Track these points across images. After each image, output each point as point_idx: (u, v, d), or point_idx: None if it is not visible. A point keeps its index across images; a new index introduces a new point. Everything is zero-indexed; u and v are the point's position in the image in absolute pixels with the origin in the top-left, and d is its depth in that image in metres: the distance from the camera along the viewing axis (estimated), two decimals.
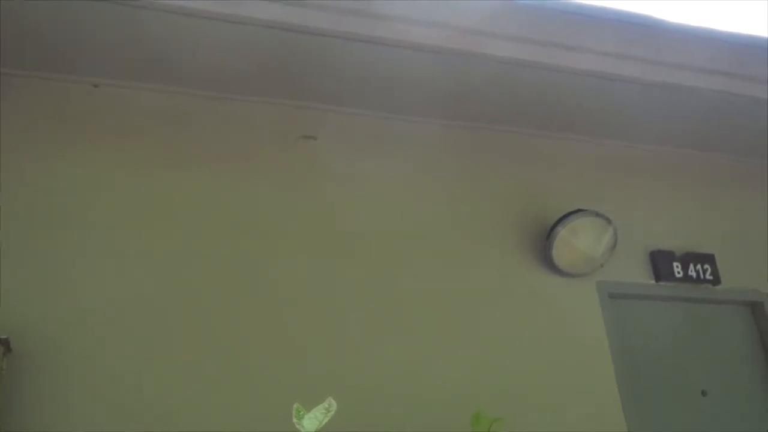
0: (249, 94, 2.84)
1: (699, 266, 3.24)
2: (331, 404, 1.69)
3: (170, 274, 2.49)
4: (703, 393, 3.07)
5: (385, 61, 2.70)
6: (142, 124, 2.70)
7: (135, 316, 2.40)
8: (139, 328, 2.38)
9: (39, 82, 2.60)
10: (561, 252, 2.97)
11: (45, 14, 2.35)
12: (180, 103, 2.78)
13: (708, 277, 3.25)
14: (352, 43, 2.58)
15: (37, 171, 2.49)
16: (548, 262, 2.99)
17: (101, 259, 2.45)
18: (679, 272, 3.21)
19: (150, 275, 2.47)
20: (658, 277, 3.20)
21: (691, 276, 3.22)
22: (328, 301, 2.64)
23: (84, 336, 2.31)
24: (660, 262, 3.20)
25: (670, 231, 3.30)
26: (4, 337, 2.10)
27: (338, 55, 2.65)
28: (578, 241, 2.97)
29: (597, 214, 2.98)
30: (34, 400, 2.19)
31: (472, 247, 2.96)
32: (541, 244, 3.03)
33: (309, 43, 2.57)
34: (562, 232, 2.95)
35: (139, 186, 2.60)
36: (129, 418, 2.23)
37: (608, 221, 2.99)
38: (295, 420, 1.64)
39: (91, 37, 2.49)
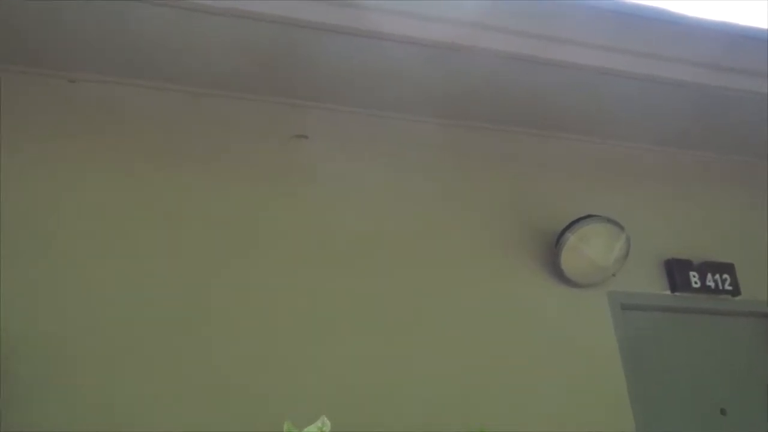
0: (237, 90, 2.68)
1: (717, 276, 3.06)
2: (324, 423, 1.61)
3: (151, 283, 2.33)
4: (723, 411, 2.88)
5: (379, 56, 2.54)
6: (122, 122, 2.54)
7: (116, 328, 2.23)
8: (120, 340, 2.22)
9: (12, 76, 2.44)
10: (570, 261, 2.79)
11: (17, 5, 2.20)
12: (164, 100, 2.62)
13: (727, 287, 3.06)
14: (345, 37, 2.43)
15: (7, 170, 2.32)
16: (556, 272, 2.82)
17: (79, 267, 2.28)
18: (696, 282, 3.02)
19: (130, 285, 2.30)
20: (673, 288, 3.02)
21: (709, 286, 3.04)
22: (321, 313, 2.47)
23: (59, 344, 2.16)
24: (676, 272, 3.02)
25: (687, 238, 3.12)
26: None
27: (331, 49, 2.50)
28: (588, 249, 2.80)
29: (608, 220, 2.80)
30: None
31: (474, 255, 2.79)
32: (549, 252, 2.86)
33: (300, 36, 2.42)
34: (571, 240, 2.77)
35: (117, 188, 2.43)
36: None
37: (620, 228, 2.81)
38: None
39: (68, 30, 2.34)
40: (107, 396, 2.14)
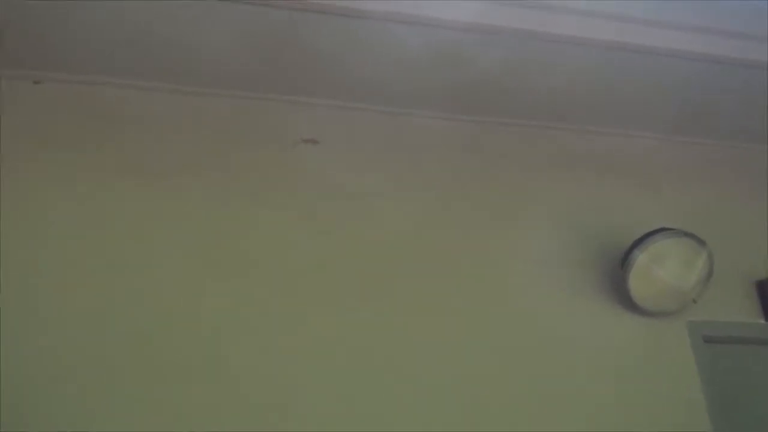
0: (234, 88, 2.31)
1: None
2: None
3: (132, 309, 1.99)
4: None
5: (395, 44, 2.13)
6: (98, 126, 2.20)
7: (90, 351, 1.91)
8: (95, 366, 1.90)
9: None
10: (640, 284, 2.32)
11: None
12: (151, 100, 2.28)
13: None
14: (357, 21, 2.03)
15: None
16: (624, 298, 2.34)
17: (50, 287, 1.96)
18: None
19: (115, 300, 1.98)
20: (767, 315, 2.51)
21: None
22: (342, 354, 2.06)
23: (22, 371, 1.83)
24: None
25: None
26: None
27: (339, 37, 2.09)
28: (662, 270, 2.32)
29: (686, 234, 2.32)
30: None
31: (520, 279, 2.35)
32: (614, 274, 2.38)
33: (305, 23, 2.03)
34: (641, 259, 2.30)
35: (102, 198, 2.10)
36: None
37: (701, 243, 2.33)
38: None
39: (33, 28, 2.01)
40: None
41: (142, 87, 2.26)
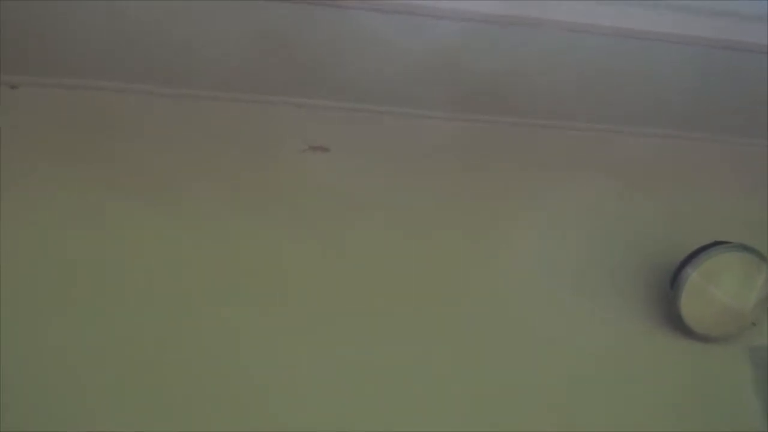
0: (232, 90, 2.08)
1: None
2: None
3: (134, 315, 1.83)
4: None
5: (416, 36, 1.87)
6: (85, 134, 2.00)
7: (89, 355, 1.77)
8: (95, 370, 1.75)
9: None
10: (693, 305, 2.07)
11: None
12: (142, 105, 2.06)
13: None
14: (369, 14, 1.79)
15: None
16: (675, 320, 2.09)
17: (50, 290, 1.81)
18: None
19: (106, 325, 1.81)
20: None
21: None
22: (348, 378, 1.87)
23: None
24: None
25: None
26: None
27: (350, 28, 1.85)
28: (718, 289, 2.07)
29: (745, 248, 2.07)
30: None
31: (557, 301, 2.10)
32: (663, 294, 2.13)
33: (315, 18, 1.80)
34: (694, 277, 2.05)
35: (76, 216, 1.90)
36: None
37: (762, 258, 2.08)
38: None
39: (10, 28, 1.80)
40: None
41: (132, 90, 2.04)
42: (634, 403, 2.00)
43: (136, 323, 1.81)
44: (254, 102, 2.09)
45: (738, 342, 2.13)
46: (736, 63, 2.03)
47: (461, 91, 2.14)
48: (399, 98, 2.16)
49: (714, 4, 1.90)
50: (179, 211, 1.96)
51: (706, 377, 2.09)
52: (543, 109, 2.27)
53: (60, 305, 1.80)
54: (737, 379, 2.10)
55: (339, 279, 1.96)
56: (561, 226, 2.20)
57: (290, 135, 2.10)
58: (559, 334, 2.05)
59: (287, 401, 1.81)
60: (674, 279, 2.08)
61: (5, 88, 1.95)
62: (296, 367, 1.85)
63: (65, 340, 1.76)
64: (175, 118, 2.07)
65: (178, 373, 1.79)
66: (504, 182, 2.23)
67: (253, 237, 1.96)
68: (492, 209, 2.18)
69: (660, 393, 2.04)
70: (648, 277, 2.17)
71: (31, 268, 1.81)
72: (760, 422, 2.06)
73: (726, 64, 2.03)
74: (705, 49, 1.96)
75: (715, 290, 2.06)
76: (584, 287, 2.13)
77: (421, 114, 2.22)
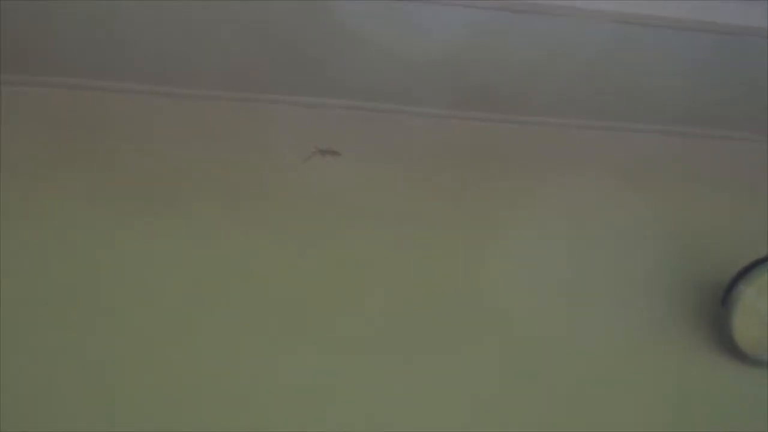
0: (231, 88, 1.91)
1: None
2: None
3: (131, 319, 1.71)
4: None
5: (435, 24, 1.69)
6: (72, 135, 1.85)
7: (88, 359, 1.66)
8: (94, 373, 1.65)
9: None
10: (747, 325, 1.87)
11: None
12: (135, 104, 1.90)
13: None
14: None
15: None
16: (726, 343, 1.89)
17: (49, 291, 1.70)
18: None
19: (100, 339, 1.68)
20: None
21: None
22: (364, 395, 1.73)
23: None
24: None
25: None
26: None
27: (374, 22, 1.66)
28: None
29: None
30: None
31: (594, 318, 1.91)
32: (714, 313, 1.93)
33: (320, 8, 1.62)
34: (748, 294, 1.85)
35: (60, 229, 1.75)
36: None
37: None
38: None
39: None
40: None
41: (123, 90, 1.88)
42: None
43: (130, 329, 1.71)
44: (249, 101, 1.94)
45: None
46: None
47: (469, 88, 1.97)
48: (409, 97, 1.99)
49: None
50: (175, 220, 1.81)
51: (763, 404, 1.89)
52: (559, 108, 2.09)
53: (59, 305, 1.70)
54: None
55: (345, 289, 1.82)
56: (589, 233, 2.02)
57: (296, 137, 1.93)
58: (597, 355, 1.87)
59: (287, 411, 1.71)
60: (726, 296, 1.88)
61: None
62: (296, 379, 1.74)
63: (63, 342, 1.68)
64: (170, 119, 1.91)
65: (171, 377, 1.69)
66: (525, 184, 2.05)
67: (255, 246, 1.82)
68: (520, 218, 1.99)
69: (710, 423, 1.85)
70: (696, 294, 1.97)
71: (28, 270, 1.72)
72: None
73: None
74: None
75: None
76: (621, 302, 1.94)
77: (439, 114, 2.04)
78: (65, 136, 1.86)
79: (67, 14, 1.63)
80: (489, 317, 1.86)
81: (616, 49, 1.80)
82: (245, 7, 1.61)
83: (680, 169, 2.15)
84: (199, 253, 1.80)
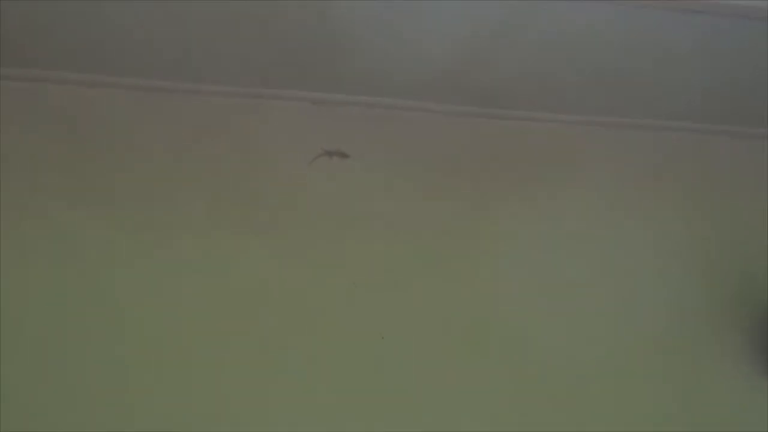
0: (229, 82, 1.76)
1: None
2: None
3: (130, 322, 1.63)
4: None
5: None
6: (57, 133, 1.73)
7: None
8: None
9: None
10: None
11: None
12: (120, 100, 1.77)
13: None
14: None
15: None
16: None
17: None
18: None
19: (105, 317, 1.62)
20: None
21: None
22: (369, 405, 1.64)
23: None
24: None
25: None
26: None
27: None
28: None
29: None
30: None
31: (627, 336, 1.78)
32: (758, 333, 1.80)
33: None
34: None
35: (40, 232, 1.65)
36: None
37: None
38: None
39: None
40: None
41: (106, 84, 1.76)
42: None
43: (130, 330, 1.64)
44: (247, 96, 1.80)
45: None
46: None
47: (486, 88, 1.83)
48: (426, 93, 1.85)
49: None
50: (172, 219, 1.71)
51: None
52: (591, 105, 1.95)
53: (58, 304, 1.64)
54: None
55: (352, 303, 1.70)
56: (625, 244, 1.88)
57: (297, 136, 1.80)
58: (636, 379, 1.74)
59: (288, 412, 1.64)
60: None
61: None
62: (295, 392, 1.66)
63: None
64: (159, 115, 1.78)
65: (170, 377, 1.62)
66: (552, 185, 1.91)
67: (254, 258, 1.71)
68: (540, 218, 1.86)
69: None
70: (739, 312, 1.83)
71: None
72: None
73: None
74: None
75: None
76: (659, 321, 1.81)
77: (457, 110, 1.90)
78: (61, 132, 1.76)
79: (58, 10, 1.53)
80: (503, 330, 1.75)
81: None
82: None
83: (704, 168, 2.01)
84: (187, 268, 1.71)
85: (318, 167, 1.74)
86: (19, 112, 1.75)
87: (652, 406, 1.76)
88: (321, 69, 1.73)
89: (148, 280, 1.67)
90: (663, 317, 1.83)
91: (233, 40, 1.62)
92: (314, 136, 1.78)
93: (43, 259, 1.66)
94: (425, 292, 1.75)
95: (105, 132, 1.76)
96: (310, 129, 1.80)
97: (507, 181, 1.89)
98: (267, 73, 1.75)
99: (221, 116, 1.81)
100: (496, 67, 1.74)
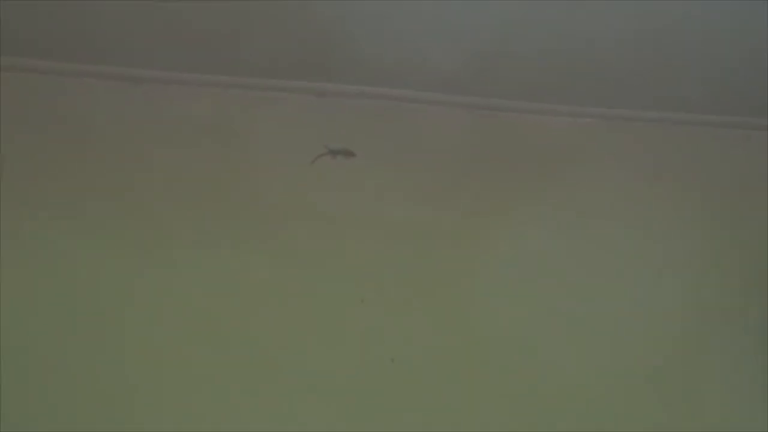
0: (228, 71, 1.69)
1: None
2: None
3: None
4: None
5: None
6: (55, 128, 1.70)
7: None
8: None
9: None
10: None
11: None
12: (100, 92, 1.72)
13: None
14: None
15: None
16: None
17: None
18: None
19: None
20: None
21: None
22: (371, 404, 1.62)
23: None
24: None
25: None
26: None
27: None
28: None
29: None
30: None
31: (658, 349, 1.70)
32: None
33: None
34: None
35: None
36: None
37: None
38: None
39: None
40: None
41: (99, 74, 1.69)
42: None
43: (130, 330, 1.64)
44: (244, 87, 1.72)
45: None
46: None
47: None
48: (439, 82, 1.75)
49: None
50: (171, 221, 1.68)
51: None
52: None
53: (57, 304, 1.63)
54: None
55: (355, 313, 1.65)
56: (639, 252, 1.80)
57: (297, 133, 1.72)
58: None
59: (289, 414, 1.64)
60: None
61: None
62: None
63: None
64: (158, 109, 1.72)
65: (168, 378, 1.63)
66: (571, 183, 1.83)
67: (252, 267, 1.67)
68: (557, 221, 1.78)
69: None
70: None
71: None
72: None
73: None
74: None
75: None
76: (697, 335, 1.74)
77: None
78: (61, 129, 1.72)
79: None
80: (509, 343, 1.70)
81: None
82: None
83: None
84: (196, 254, 1.69)
85: (321, 165, 1.68)
86: (16, 106, 1.70)
87: (658, 413, 1.69)
88: (326, 60, 1.64)
89: (147, 280, 1.66)
90: (668, 318, 1.76)
91: (233, 30, 1.54)
92: (317, 132, 1.71)
93: (43, 259, 1.65)
94: (431, 295, 1.71)
95: (100, 126, 1.72)
96: (313, 124, 1.72)
97: (515, 179, 1.83)
98: (270, 64, 1.67)
99: (221, 111, 1.75)
100: (505, 64, 1.66)
